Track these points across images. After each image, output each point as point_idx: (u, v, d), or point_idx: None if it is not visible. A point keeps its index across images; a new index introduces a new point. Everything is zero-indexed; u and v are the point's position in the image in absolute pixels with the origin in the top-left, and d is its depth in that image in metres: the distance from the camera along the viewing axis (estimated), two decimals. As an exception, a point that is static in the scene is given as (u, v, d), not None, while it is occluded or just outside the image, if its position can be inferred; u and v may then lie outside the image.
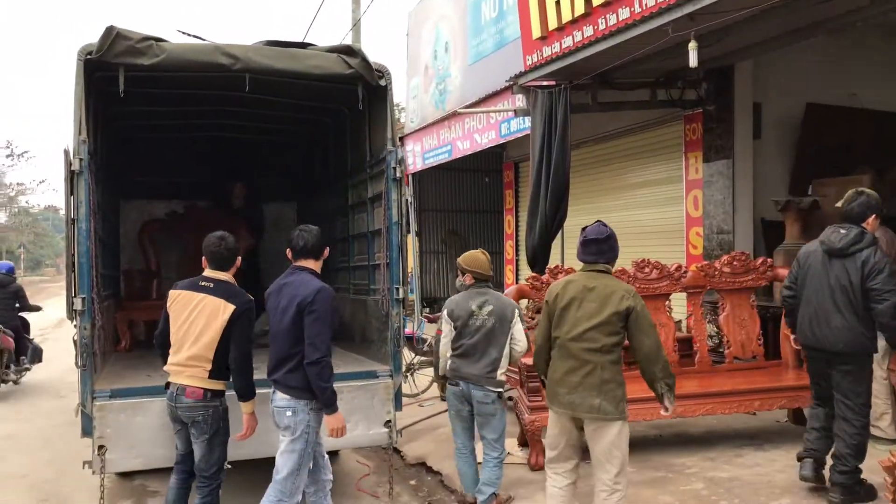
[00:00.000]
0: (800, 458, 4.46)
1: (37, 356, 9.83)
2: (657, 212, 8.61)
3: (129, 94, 4.55)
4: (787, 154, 8.08)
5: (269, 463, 4.93)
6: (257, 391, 4.04)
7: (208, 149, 7.76)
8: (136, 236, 7.66)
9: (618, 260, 3.82)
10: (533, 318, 7.64)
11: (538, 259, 7.26)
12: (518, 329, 4.52)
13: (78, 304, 4.27)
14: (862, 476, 4.24)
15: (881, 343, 4.35)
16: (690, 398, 5.24)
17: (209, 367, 3.86)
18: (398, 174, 5.03)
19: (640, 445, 5.34)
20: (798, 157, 8.07)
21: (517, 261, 11.97)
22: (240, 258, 4.14)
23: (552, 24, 7.05)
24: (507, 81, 7.90)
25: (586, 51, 6.39)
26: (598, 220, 3.77)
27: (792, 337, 4.76)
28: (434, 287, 13.92)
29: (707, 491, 4.58)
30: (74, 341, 4.45)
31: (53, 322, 11.90)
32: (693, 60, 5.38)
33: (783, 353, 5.98)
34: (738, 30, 5.63)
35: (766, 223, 7.77)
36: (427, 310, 12.78)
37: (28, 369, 9.65)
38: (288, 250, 4.04)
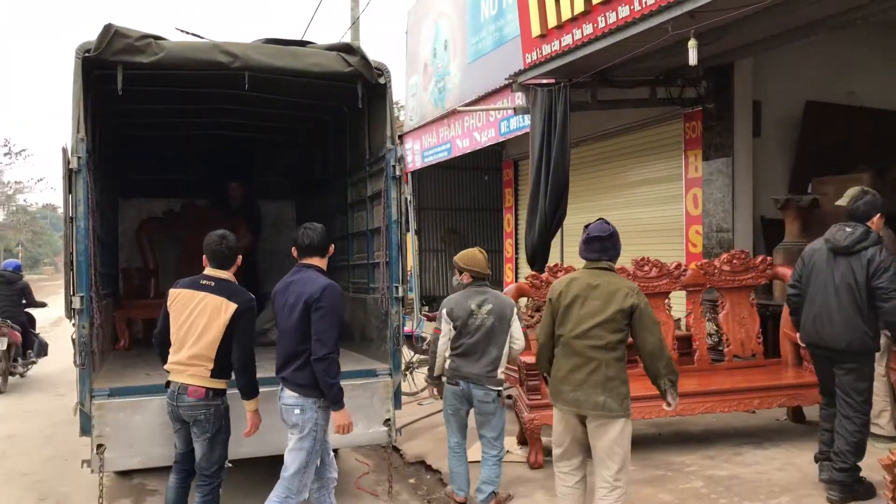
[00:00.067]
0: (817, 461, 4.47)
1: (42, 350, 10.20)
2: (657, 210, 8.60)
3: (128, 93, 4.53)
4: (786, 152, 8.08)
5: (269, 462, 4.94)
6: (260, 389, 4.05)
7: (207, 147, 7.75)
8: (134, 235, 7.65)
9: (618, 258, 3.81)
10: (532, 317, 7.66)
11: (538, 257, 7.26)
12: (516, 327, 4.53)
13: (76, 303, 4.26)
14: (861, 474, 4.25)
15: (881, 341, 4.36)
16: (690, 396, 5.24)
17: (211, 365, 3.85)
18: (397, 172, 5.03)
19: (639, 443, 5.34)
20: (798, 156, 8.07)
21: (516, 259, 11.96)
22: (240, 257, 4.14)
23: (552, 21, 7.04)
24: (506, 79, 7.89)
25: (586, 49, 6.39)
26: (600, 218, 3.78)
27: (798, 335, 4.77)
28: (433, 285, 13.92)
29: (706, 489, 4.58)
30: (73, 340, 4.44)
31: (52, 320, 11.89)
32: (693, 58, 5.38)
33: (783, 352, 5.98)
34: (737, 28, 5.63)
35: (766, 221, 7.77)
36: (426, 308, 12.77)
37: (34, 363, 10.07)
38: (293, 248, 4.04)
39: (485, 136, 10.02)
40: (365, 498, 5.07)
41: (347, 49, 4.92)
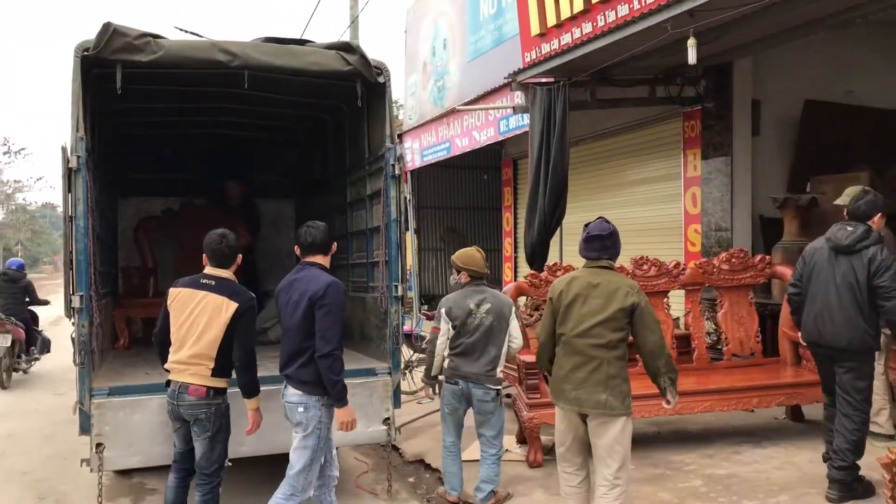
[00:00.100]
0: (825, 460, 4.48)
1: (45, 347, 10.48)
2: (655, 209, 8.60)
3: (127, 91, 4.53)
4: (785, 151, 8.08)
5: (268, 461, 4.94)
6: (261, 388, 4.06)
7: (206, 146, 7.75)
8: (132, 234, 7.65)
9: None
10: (532, 316, 7.67)
11: (537, 256, 7.26)
12: (515, 326, 4.53)
13: (76, 302, 4.26)
14: (860, 472, 4.25)
15: (881, 339, 4.36)
16: (689, 395, 5.24)
17: (212, 364, 3.86)
18: (397, 171, 5.03)
19: (639, 442, 5.34)
20: (796, 155, 8.07)
21: (515, 258, 11.96)
22: (240, 256, 4.14)
23: (551, 20, 7.04)
24: (505, 78, 7.89)
25: (585, 47, 6.38)
26: (600, 217, 3.78)
27: (798, 335, 4.78)
28: (433, 284, 13.91)
29: (705, 488, 4.59)
30: (73, 339, 4.44)
31: (51, 319, 11.92)
32: (692, 57, 5.38)
33: (781, 351, 5.98)
34: (736, 27, 5.63)
35: (765, 220, 7.77)
36: (425, 307, 12.77)
37: (37, 359, 10.35)
38: (296, 247, 4.04)
39: (484, 135, 10.01)
40: (364, 497, 5.07)
41: (346, 48, 4.92)
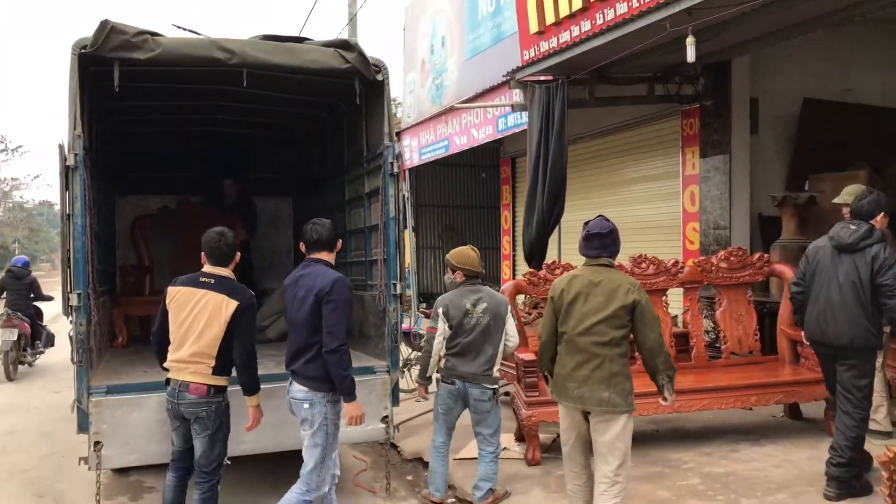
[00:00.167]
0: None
1: (50, 341, 10.86)
2: (654, 207, 8.60)
3: (125, 89, 4.52)
4: (784, 149, 8.09)
5: (266, 459, 4.94)
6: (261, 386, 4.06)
7: (204, 144, 7.74)
8: (128, 232, 7.63)
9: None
10: (530, 314, 7.67)
11: (535, 255, 7.25)
12: (511, 325, 4.53)
13: (74, 300, 4.25)
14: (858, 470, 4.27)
15: (882, 338, 4.38)
16: (687, 393, 5.25)
17: (212, 363, 3.86)
18: (395, 169, 5.02)
19: (637, 440, 5.32)
20: (795, 153, 8.07)
21: (514, 256, 11.96)
22: (239, 254, 4.14)
23: (549, 18, 7.03)
24: (504, 76, 7.88)
25: (584, 46, 6.38)
26: (599, 215, 3.79)
27: (800, 333, 4.80)
28: (431, 282, 13.91)
29: (704, 486, 4.59)
30: (70, 337, 4.43)
31: (50, 317, 11.95)
32: (691, 55, 5.38)
33: (780, 349, 5.99)
34: (735, 25, 5.62)
35: (763, 218, 7.78)
36: (424, 305, 12.76)
37: (42, 352, 10.77)
38: (301, 244, 4.06)
39: (482, 133, 10.00)
40: (363, 495, 5.07)
41: (345, 45, 4.91)
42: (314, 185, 7.55)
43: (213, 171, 7.92)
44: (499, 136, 9.77)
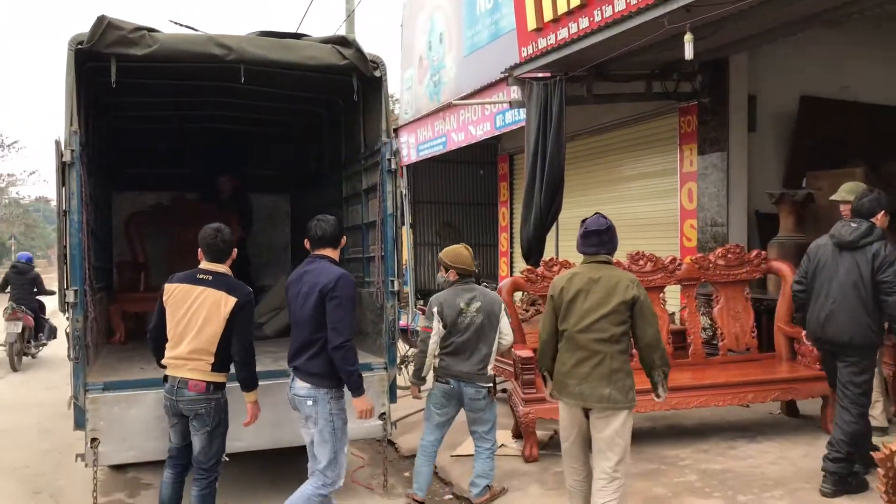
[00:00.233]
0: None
1: (52, 334, 11.31)
2: (652, 204, 8.61)
3: (121, 85, 4.51)
4: (781, 146, 8.10)
5: (264, 456, 4.94)
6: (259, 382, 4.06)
7: (202, 141, 7.72)
8: (124, 228, 7.61)
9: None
10: (527, 311, 7.67)
11: (533, 251, 7.26)
12: (505, 323, 4.52)
13: (70, 297, 4.24)
14: (855, 468, 4.28)
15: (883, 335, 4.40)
16: (684, 390, 5.26)
17: (212, 360, 3.85)
18: (393, 166, 5.01)
19: (634, 437, 5.30)
20: (792, 150, 8.08)
21: (511, 253, 11.96)
22: (235, 250, 4.13)
23: (547, 15, 7.02)
24: (502, 73, 7.87)
25: (582, 42, 6.37)
26: (596, 213, 3.79)
27: (799, 331, 4.82)
28: (428, 279, 13.90)
29: (700, 483, 4.60)
30: (67, 334, 4.42)
31: (51, 311, 12.04)
32: (689, 52, 5.38)
33: (777, 346, 6.00)
34: (733, 22, 5.62)
35: (761, 216, 7.79)
36: (421, 302, 12.77)
37: (45, 345, 11.30)
38: (306, 240, 4.06)
39: (480, 130, 10.00)
40: (360, 491, 5.07)
41: (343, 42, 4.90)
42: (312, 181, 7.54)
43: (210, 167, 7.91)
44: (496, 133, 9.77)
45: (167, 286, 3.98)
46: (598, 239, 3.68)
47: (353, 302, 3.90)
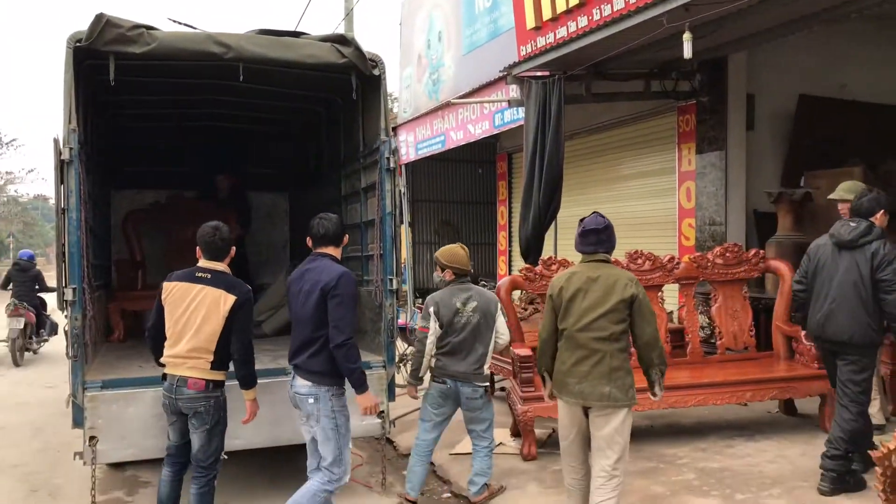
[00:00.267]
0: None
1: (53, 330, 11.49)
2: (650, 203, 8.61)
3: (120, 83, 4.50)
4: (780, 146, 8.10)
5: (262, 454, 4.94)
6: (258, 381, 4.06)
7: (200, 139, 7.71)
8: (121, 226, 7.60)
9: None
10: (526, 309, 7.67)
11: (531, 250, 7.26)
12: (501, 322, 4.52)
13: (68, 295, 4.24)
14: (853, 467, 4.29)
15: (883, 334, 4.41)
16: (682, 389, 5.27)
17: (211, 358, 3.85)
18: (392, 164, 5.01)
19: (632, 436, 5.31)
20: (791, 149, 8.08)
21: (510, 252, 11.96)
22: (234, 248, 4.13)
23: (546, 14, 7.02)
24: (500, 72, 7.87)
25: (580, 41, 6.37)
26: (594, 212, 3.80)
27: (804, 333, 4.83)
28: (427, 278, 13.90)
29: (698, 481, 4.61)
30: (65, 332, 4.42)
31: (53, 308, 12.12)
32: (687, 51, 5.38)
33: (775, 345, 6.01)
34: (732, 21, 5.62)
35: (759, 215, 7.79)
36: (420, 300, 12.76)
37: (46, 340, 11.60)
38: (308, 238, 4.06)
39: (479, 129, 9.99)
40: (359, 489, 5.07)
41: (342, 40, 4.90)
42: (311, 180, 7.54)
43: (209, 165, 7.90)
44: (495, 132, 9.76)
45: (166, 284, 3.98)
46: (597, 238, 3.69)
47: (355, 300, 3.91)
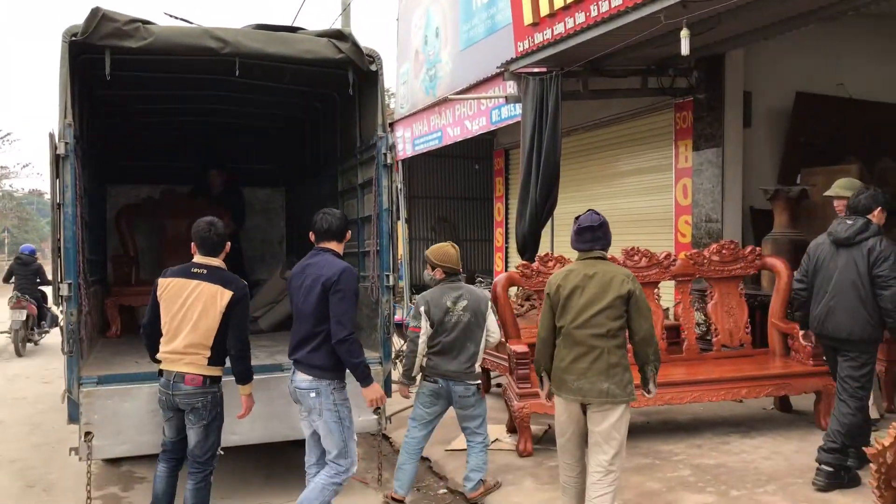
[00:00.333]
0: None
1: (54, 322, 11.78)
2: (646, 200, 8.62)
3: (116, 78, 4.48)
4: (776, 143, 8.11)
5: (259, 450, 4.94)
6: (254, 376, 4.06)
7: (197, 134, 7.69)
8: (114, 221, 7.58)
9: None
10: (522, 306, 7.68)
11: (528, 247, 7.26)
12: (492, 321, 4.52)
13: (64, 290, 4.23)
14: (848, 463, 4.31)
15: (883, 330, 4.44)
16: (678, 385, 5.28)
17: (208, 354, 3.85)
18: (388, 160, 5.00)
19: (628, 432, 5.37)
20: (787, 146, 8.10)
21: (507, 248, 11.97)
22: (229, 243, 4.12)
23: (544, 10, 7.01)
24: (498, 68, 7.86)
25: (578, 38, 6.37)
26: (589, 209, 3.81)
27: (801, 333, 4.85)
28: (423, 274, 13.91)
29: (694, 478, 4.62)
30: (61, 327, 4.41)
31: (49, 304, 12.13)
32: (685, 48, 5.38)
33: (770, 342, 6.02)
34: (729, 18, 5.62)
35: (755, 212, 7.81)
36: (416, 297, 12.75)
37: (47, 332, 12.11)
38: (311, 233, 4.05)
39: (476, 125, 9.98)
40: (355, 485, 5.07)
41: (338, 35, 4.88)
42: (307, 175, 7.52)
43: (205, 160, 7.87)
44: (492, 128, 9.76)
45: (161, 281, 3.96)
46: (592, 235, 3.69)
47: (357, 295, 3.91)
